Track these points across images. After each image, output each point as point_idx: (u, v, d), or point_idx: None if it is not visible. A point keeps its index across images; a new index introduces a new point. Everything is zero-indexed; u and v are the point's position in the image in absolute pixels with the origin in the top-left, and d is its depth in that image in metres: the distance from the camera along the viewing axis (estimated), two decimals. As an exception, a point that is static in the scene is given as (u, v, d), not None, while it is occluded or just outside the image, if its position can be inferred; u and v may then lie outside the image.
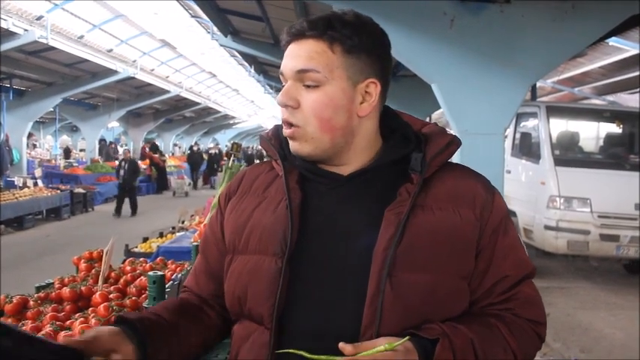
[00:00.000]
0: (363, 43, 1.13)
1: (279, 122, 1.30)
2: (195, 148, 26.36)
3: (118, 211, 13.91)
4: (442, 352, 1.02)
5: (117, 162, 16.77)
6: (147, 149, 23.01)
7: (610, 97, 13.30)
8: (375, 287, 1.07)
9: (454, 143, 1.21)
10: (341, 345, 0.99)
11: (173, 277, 2.08)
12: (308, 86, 1.12)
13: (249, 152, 28.73)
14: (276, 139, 1.27)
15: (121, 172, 14.19)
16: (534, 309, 1.19)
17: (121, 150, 28.93)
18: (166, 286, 1.58)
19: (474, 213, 1.15)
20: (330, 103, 1.12)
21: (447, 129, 1.34)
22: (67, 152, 25.32)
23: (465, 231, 1.14)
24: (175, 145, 32.98)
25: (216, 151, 26.20)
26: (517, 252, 1.20)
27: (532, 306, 1.19)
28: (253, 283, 1.14)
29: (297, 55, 1.13)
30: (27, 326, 1.92)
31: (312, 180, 1.19)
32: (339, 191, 1.17)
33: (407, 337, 1.01)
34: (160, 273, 1.51)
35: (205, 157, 25.98)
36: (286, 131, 1.15)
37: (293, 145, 1.16)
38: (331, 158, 1.17)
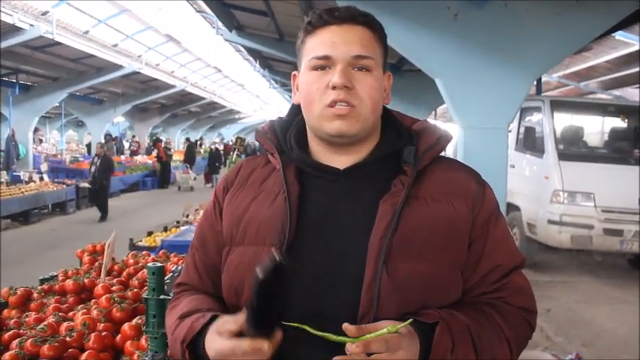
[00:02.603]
0: (386, 41, 1.24)
1: (281, 117, 1.34)
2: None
3: (103, 216, 12.15)
4: (441, 335, 1.05)
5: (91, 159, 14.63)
6: (145, 143, 22.52)
7: (616, 92, 13.21)
8: (372, 275, 1.09)
9: (445, 137, 1.24)
10: (345, 325, 1.01)
11: (173, 268, 2.10)
12: (360, 69, 1.16)
13: (251, 148, 27.74)
14: (272, 133, 1.29)
15: (92, 168, 12.57)
16: (525, 298, 1.22)
17: (127, 145, 28.93)
18: (166, 277, 1.59)
19: (466, 204, 1.18)
20: (379, 87, 1.19)
21: (437, 123, 1.37)
22: (89, 147, 25.16)
23: (459, 222, 1.17)
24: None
25: (219, 147, 24.92)
26: (508, 243, 1.23)
27: (523, 295, 1.22)
28: (251, 274, 1.14)
29: (349, 41, 1.16)
30: (30, 317, 1.95)
31: (310, 173, 1.22)
32: (336, 184, 1.19)
33: (409, 320, 1.04)
34: (159, 264, 1.53)
35: (212, 149, 24.55)
36: (342, 110, 1.14)
37: (342, 125, 1.15)
38: (359, 141, 1.20)
